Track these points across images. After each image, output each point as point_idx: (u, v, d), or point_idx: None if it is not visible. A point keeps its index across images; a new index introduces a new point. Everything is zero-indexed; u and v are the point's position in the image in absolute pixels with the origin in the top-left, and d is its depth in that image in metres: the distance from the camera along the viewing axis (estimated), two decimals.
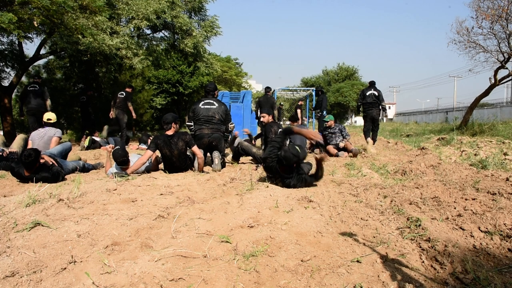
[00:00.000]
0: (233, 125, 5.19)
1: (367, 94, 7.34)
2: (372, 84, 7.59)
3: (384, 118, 9.98)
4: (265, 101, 9.29)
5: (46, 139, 5.09)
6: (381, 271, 1.61)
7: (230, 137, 5.51)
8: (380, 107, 7.30)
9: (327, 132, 6.72)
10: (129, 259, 1.70)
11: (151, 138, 6.59)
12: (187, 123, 5.13)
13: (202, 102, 4.98)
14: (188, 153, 4.52)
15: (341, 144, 6.41)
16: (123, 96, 8.97)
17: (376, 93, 7.30)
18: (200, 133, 4.83)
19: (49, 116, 5.48)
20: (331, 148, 6.46)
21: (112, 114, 9.07)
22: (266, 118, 5.74)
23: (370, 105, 7.31)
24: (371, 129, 7.36)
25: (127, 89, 9.27)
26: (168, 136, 4.32)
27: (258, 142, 7.57)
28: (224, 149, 4.98)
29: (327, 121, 6.86)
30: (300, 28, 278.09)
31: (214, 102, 4.98)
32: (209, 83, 5.29)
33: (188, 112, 5.32)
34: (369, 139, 6.94)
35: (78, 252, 1.76)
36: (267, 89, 10.05)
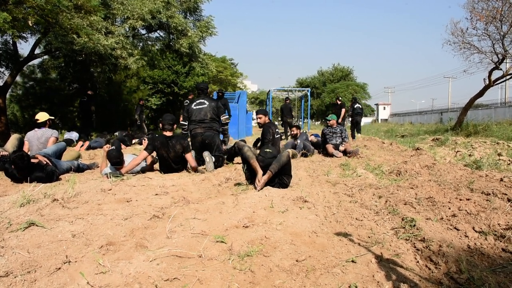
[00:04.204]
0: (225, 117, 5.15)
1: (355, 107, 11.33)
2: (355, 100, 11.62)
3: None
4: (285, 107, 12.39)
5: (43, 140, 5.03)
6: (376, 271, 1.61)
7: (226, 130, 5.48)
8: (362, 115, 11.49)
9: (327, 131, 6.81)
10: (124, 259, 1.69)
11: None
12: (181, 122, 5.16)
13: (195, 103, 5.10)
14: None
15: (341, 148, 6.54)
16: (187, 103, 10.16)
17: (360, 106, 11.43)
18: (194, 133, 4.98)
19: (38, 116, 5.30)
20: (330, 147, 6.53)
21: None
22: (262, 119, 5.71)
23: (356, 114, 11.32)
24: (356, 128, 11.29)
25: (190, 97, 10.37)
26: (166, 137, 4.31)
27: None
28: (219, 145, 4.98)
29: (329, 120, 7.01)
30: (298, 29, 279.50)
31: (205, 101, 5.08)
32: (200, 83, 5.45)
33: (183, 112, 5.30)
34: (356, 133, 11.21)
35: (72, 252, 1.75)
36: (287, 99, 13.05)
